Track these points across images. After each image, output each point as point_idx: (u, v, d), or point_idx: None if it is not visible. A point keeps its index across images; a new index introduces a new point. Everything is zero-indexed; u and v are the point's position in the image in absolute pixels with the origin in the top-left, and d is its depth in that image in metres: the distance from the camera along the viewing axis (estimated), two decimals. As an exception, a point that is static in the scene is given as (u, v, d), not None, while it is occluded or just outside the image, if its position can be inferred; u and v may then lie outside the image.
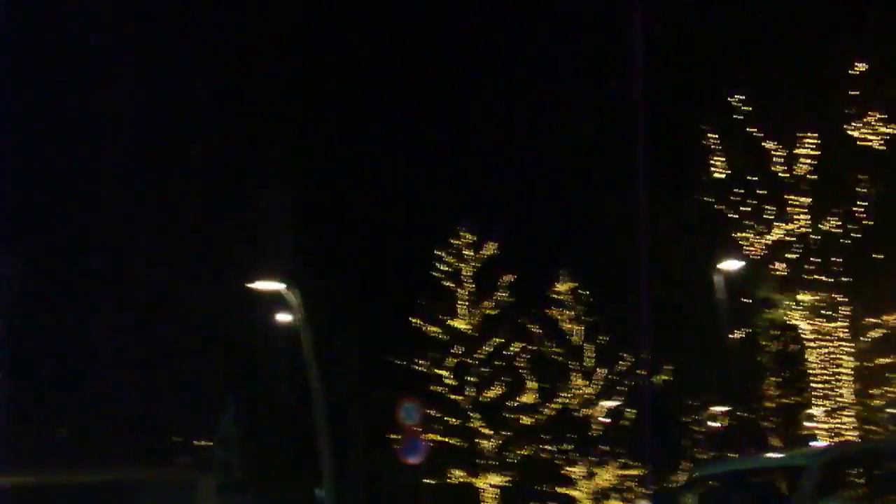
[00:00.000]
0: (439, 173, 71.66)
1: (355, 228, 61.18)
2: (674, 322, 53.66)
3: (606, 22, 48.24)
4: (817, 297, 36.11)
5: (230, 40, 68.81)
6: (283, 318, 41.68)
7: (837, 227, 35.95)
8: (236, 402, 64.79)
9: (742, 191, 36.87)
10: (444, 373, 53.95)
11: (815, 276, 35.87)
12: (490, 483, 54.16)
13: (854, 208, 35.67)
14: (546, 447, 57.43)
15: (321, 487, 35.47)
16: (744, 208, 36.75)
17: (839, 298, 36.41)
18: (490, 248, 55.26)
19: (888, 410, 47.88)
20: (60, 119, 62.35)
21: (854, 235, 36.01)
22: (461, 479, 53.78)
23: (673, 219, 38.94)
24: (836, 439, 36.61)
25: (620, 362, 61.20)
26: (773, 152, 36.17)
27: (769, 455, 16.46)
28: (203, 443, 65.60)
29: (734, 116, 36.88)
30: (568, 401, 60.04)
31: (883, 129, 35.21)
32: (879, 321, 41.20)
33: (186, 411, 62.72)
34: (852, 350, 37.62)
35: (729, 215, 37.00)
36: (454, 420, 53.75)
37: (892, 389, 49.20)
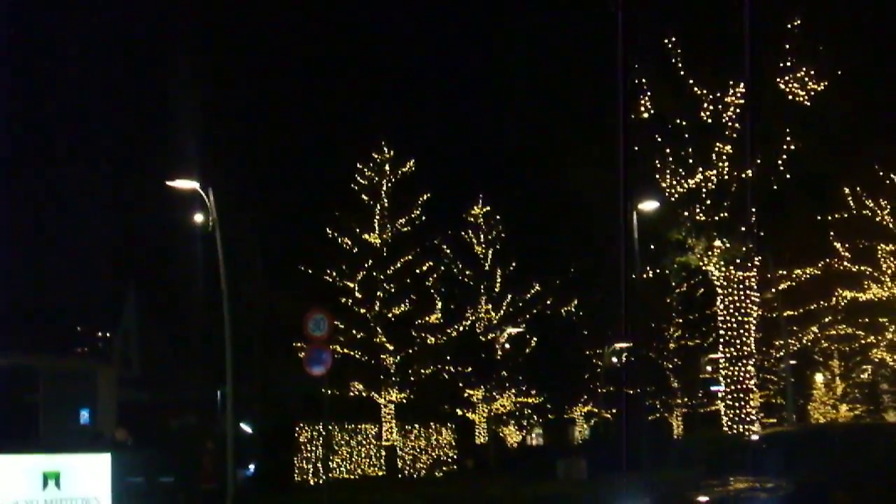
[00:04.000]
0: (364, 83, 71.24)
1: (276, 134, 60.59)
2: (586, 256, 54.07)
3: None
4: (731, 245, 36.37)
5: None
6: (196, 218, 41.27)
7: (757, 177, 36.17)
8: (140, 298, 64.15)
9: (667, 133, 36.96)
10: (352, 285, 53.89)
11: (732, 224, 36.08)
12: (390, 399, 54.38)
13: (777, 160, 35.89)
14: (448, 368, 57.72)
15: (223, 387, 35.26)
16: (667, 151, 36.82)
17: (752, 248, 36.71)
18: (409, 165, 55.15)
19: (791, 362, 48.80)
20: None
21: (773, 188, 36.31)
22: (362, 393, 53.96)
23: (595, 154, 38.89)
24: (735, 386, 37.05)
25: (529, 291, 61.69)
26: (701, 97, 36.23)
27: None
28: (104, 334, 65.06)
29: (665, 58, 36.90)
30: (473, 324, 60.41)
31: (811, 85, 35.41)
32: (788, 273, 41.84)
33: (90, 302, 62.02)
34: (758, 300, 38.03)
35: (653, 157, 37.04)
36: (359, 333, 53.79)
37: (794, 342, 50.09)
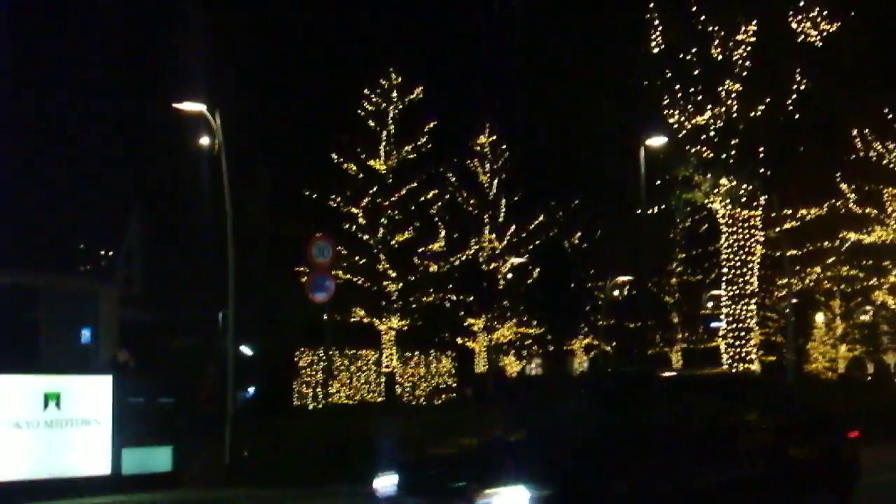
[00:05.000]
0: (373, 7, 70.85)
1: (283, 58, 60.28)
2: (593, 188, 54.03)
3: None
4: (737, 184, 36.31)
5: None
6: (202, 140, 41.17)
7: (766, 116, 36.04)
8: (144, 217, 64.10)
9: (676, 68, 36.78)
10: (356, 211, 53.87)
11: (739, 162, 36.00)
12: (391, 326, 54.46)
13: (787, 100, 35.77)
14: (450, 296, 57.80)
15: (225, 309, 35.25)
16: (676, 87, 36.66)
17: (758, 187, 36.65)
18: (416, 92, 54.98)
19: (793, 301, 48.87)
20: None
21: (783, 126, 36.19)
22: (363, 319, 54.03)
23: (604, 87, 38.72)
24: (736, 324, 37.11)
25: (534, 221, 61.74)
26: (712, 34, 36.02)
27: None
28: (107, 253, 65.21)
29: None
30: (476, 253, 60.43)
31: (824, 26, 35.20)
32: (794, 213, 41.79)
33: (93, 221, 62.15)
34: (763, 239, 38.02)
35: (662, 93, 36.87)
36: (362, 259, 53.82)
37: (796, 282, 50.11)
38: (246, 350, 46.59)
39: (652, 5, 36.39)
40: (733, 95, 35.95)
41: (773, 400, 15.57)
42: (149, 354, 33.66)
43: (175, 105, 33.50)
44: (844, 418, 15.85)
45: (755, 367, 38.19)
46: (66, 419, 20.07)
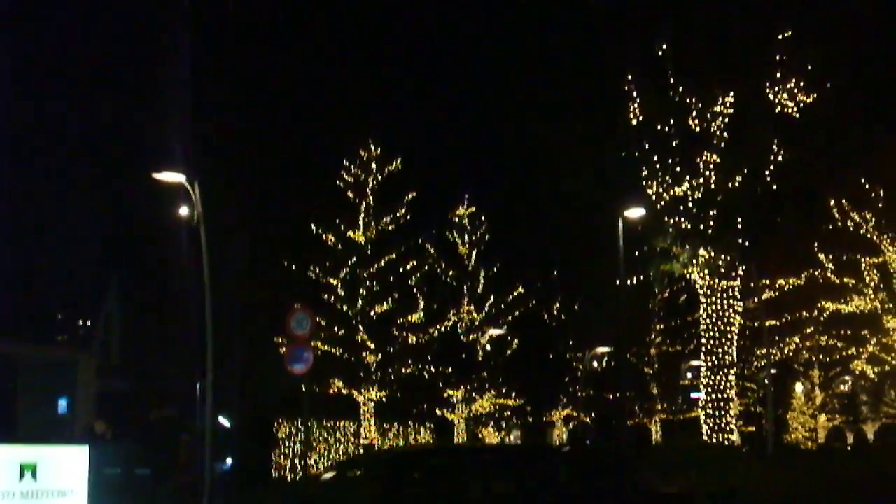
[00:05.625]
0: (352, 80, 71.15)
1: (263, 129, 60.48)
2: (572, 260, 54.07)
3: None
4: (716, 255, 36.45)
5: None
6: (182, 211, 41.18)
7: (744, 187, 36.28)
8: (122, 287, 64.00)
9: (655, 140, 37.04)
10: (335, 282, 53.78)
11: (717, 233, 36.18)
12: (369, 397, 54.23)
13: (765, 171, 36.04)
14: (429, 367, 57.59)
15: (203, 379, 35.12)
16: (654, 158, 36.90)
17: (736, 257, 36.81)
18: (395, 163, 55.06)
19: (772, 371, 48.94)
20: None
21: (761, 196, 36.45)
22: (342, 390, 53.79)
23: (582, 158, 38.95)
24: (716, 395, 37.12)
25: (512, 293, 61.70)
26: (690, 106, 36.32)
27: None
28: (85, 322, 64.87)
29: (655, 65, 37.01)
30: (455, 324, 60.30)
31: (801, 97, 35.54)
32: (772, 283, 41.96)
33: (72, 290, 61.91)
34: (741, 309, 38.13)
35: (640, 164, 37.12)
36: (341, 331, 53.66)
37: (775, 352, 50.22)
38: (224, 421, 46.33)
39: (630, 77, 36.69)
40: (711, 166, 36.22)
41: (597, 478, 14.37)
42: (126, 424, 33.49)
43: (154, 175, 33.58)
44: (701, 498, 14.66)
45: (735, 437, 38.17)
46: (42, 490, 19.85)
